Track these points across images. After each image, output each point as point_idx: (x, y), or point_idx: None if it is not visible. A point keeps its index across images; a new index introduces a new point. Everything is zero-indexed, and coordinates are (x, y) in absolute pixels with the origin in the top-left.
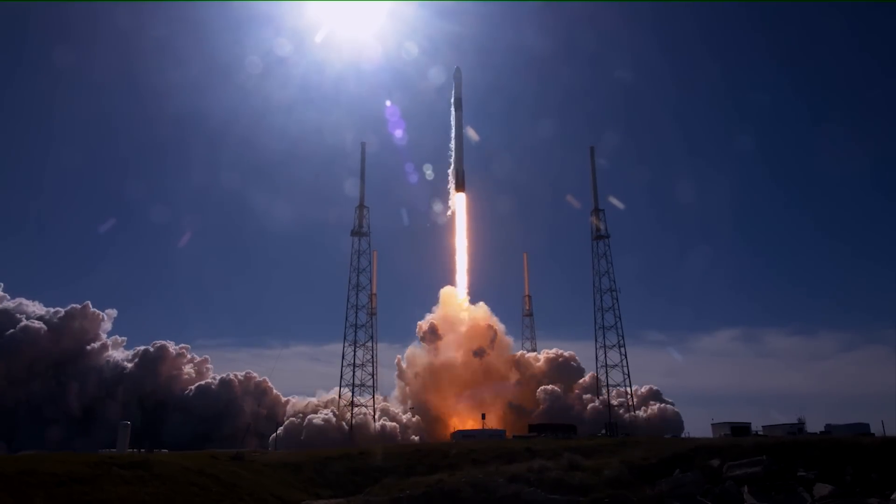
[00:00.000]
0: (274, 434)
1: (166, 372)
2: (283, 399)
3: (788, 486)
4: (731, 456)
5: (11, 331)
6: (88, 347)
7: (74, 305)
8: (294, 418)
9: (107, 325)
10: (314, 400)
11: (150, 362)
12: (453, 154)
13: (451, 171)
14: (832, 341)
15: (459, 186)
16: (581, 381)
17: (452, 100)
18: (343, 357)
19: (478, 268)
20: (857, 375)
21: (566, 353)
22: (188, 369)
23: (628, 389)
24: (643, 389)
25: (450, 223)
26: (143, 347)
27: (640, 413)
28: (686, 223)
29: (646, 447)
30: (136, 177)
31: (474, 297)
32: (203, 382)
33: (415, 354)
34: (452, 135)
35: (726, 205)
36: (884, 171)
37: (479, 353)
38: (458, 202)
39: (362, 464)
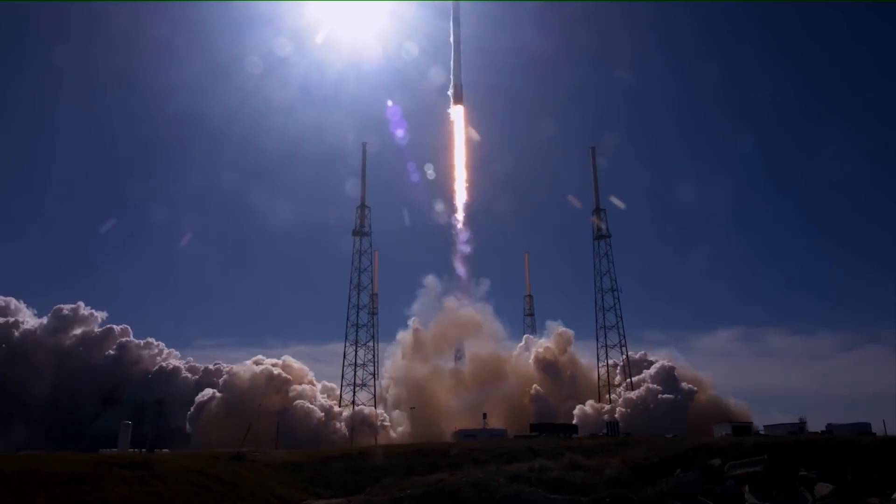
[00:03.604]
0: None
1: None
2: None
3: (789, 485)
4: (732, 455)
5: None
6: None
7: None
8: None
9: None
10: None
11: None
12: (452, 68)
13: (450, 86)
14: (832, 341)
15: (457, 99)
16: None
17: (451, 17)
18: (344, 357)
19: (473, 205)
20: (857, 375)
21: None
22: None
23: (629, 385)
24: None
25: (448, 138)
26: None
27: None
28: (686, 223)
29: (647, 447)
30: (136, 177)
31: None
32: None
33: (396, 366)
34: (451, 45)
35: (726, 205)
36: (883, 171)
37: (458, 356)
38: (456, 114)
39: (363, 464)
